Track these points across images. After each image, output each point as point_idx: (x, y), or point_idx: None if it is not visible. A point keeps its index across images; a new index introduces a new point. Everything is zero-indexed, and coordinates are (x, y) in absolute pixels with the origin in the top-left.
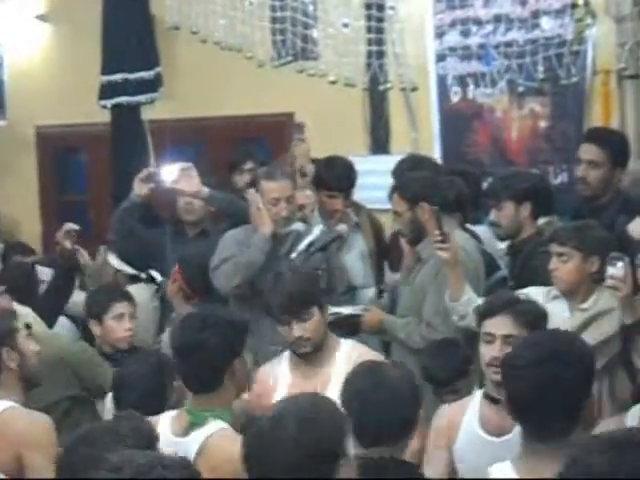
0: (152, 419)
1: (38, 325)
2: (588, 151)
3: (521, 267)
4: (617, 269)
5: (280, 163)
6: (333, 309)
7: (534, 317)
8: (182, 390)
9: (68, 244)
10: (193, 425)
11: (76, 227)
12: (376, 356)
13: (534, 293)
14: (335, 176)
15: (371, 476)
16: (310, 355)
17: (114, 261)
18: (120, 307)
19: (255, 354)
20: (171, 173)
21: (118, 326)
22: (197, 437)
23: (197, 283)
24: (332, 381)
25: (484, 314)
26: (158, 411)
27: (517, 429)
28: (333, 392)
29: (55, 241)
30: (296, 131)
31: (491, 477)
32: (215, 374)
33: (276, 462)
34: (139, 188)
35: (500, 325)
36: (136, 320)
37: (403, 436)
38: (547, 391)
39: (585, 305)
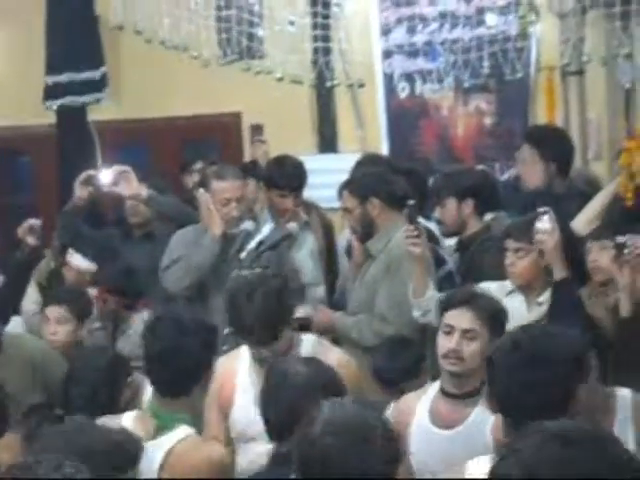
0: (113, 419)
1: None
2: (521, 150)
3: (468, 263)
4: (543, 222)
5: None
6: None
7: (495, 313)
8: (136, 386)
9: (31, 240)
10: (161, 429)
11: (39, 222)
12: (337, 352)
13: (488, 289)
14: (285, 175)
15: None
16: None
17: (79, 261)
18: (49, 311)
19: None
20: (109, 176)
21: (45, 329)
22: (164, 442)
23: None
24: None
25: (446, 305)
26: (110, 407)
27: (466, 422)
28: None
29: (17, 239)
30: (254, 133)
31: (468, 472)
32: (192, 379)
33: None
34: (79, 191)
35: (461, 318)
36: (69, 324)
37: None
38: (524, 395)
39: (541, 299)
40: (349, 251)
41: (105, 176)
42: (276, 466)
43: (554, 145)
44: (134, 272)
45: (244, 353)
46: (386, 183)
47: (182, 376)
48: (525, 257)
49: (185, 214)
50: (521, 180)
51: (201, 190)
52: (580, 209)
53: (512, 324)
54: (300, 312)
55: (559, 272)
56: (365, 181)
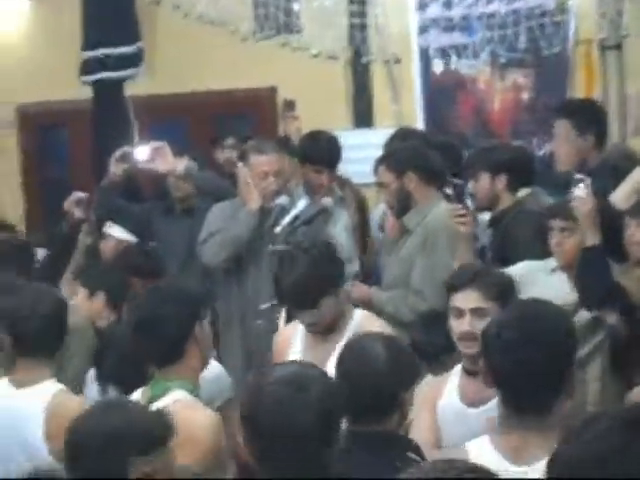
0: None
1: None
2: (556, 125)
3: (501, 238)
4: (580, 189)
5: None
6: None
7: (502, 289)
8: None
9: (78, 212)
10: (153, 397)
11: (85, 195)
12: (383, 326)
13: (532, 267)
14: (320, 151)
15: (362, 449)
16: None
17: (118, 232)
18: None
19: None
20: (145, 152)
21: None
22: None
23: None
24: (336, 351)
25: (451, 288)
26: (138, 381)
27: (494, 400)
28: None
29: (63, 210)
30: (287, 109)
31: (470, 454)
32: (176, 345)
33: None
34: (114, 168)
35: (468, 299)
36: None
37: (387, 412)
38: (527, 364)
39: None
40: (382, 226)
41: (141, 152)
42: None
43: (590, 117)
44: (152, 252)
45: (299, 325)
46: (423, 157)
47: (164, 344)
48: (571, 236)
49: (222, 188)
50: (555, 157)
51: (240, 164)
52: (614, 184)
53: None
54: None
55: (590, 238)
56: (402, 155)
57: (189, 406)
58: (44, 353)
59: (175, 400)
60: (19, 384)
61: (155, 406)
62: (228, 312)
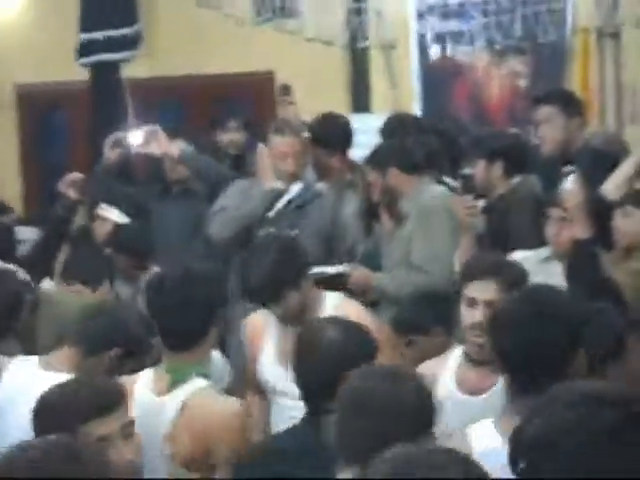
0: (130, 377)
1: None
2: (539, 112)
3: (496, 225)
4: (569, 182)
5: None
6: (317, 269)
7: (518, 279)
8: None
9: (72, 193)
10: (175, 382)
11: (81, 176)
12: (360, 308)
13: (524, 257)
14: (334, 133)
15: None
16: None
17: (113, 214)
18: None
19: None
20: (139, 137)
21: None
22: (178, 395)
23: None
24: None
25: (467, 277)
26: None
27: (494, 389)
28: None
29: (55, 193)
30: (283, 93)
31: (471, 437)
32: (202, 328)
33: None
34: (108, 152)
35: (484, 290)
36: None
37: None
38: (530, 346)
39: None
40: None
41: (135, 137)
42: (308, 425)
43: (574, 101)
44: (144, 232)
45: (272, 317)
46: (402, 151)
47: (192, 327)
48: (568, 226)
49: (217, 172)
50: (541, 142)
51: (260, 144)
52: (597, 169)
53: None
54: (336, 269)
55: (580, 231)
56: (381, 152)
57: (211, 397)
58: None
59: (199, 388)
60: None
61: (178, 392)
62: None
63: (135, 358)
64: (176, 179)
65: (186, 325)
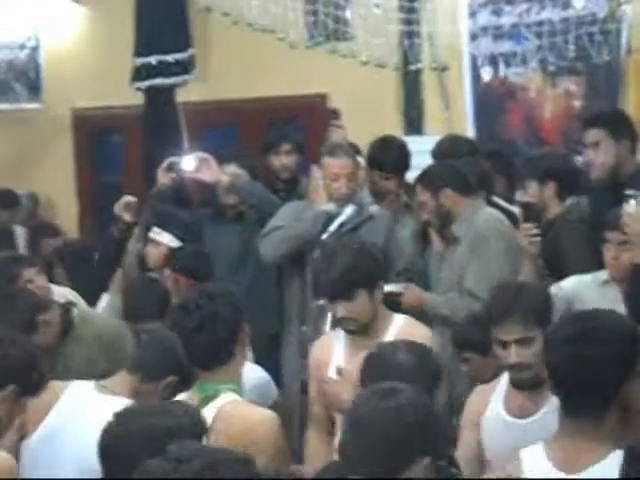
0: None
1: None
2: (587, 135)
3: (550, 247)
4: (630, 206)
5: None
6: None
7: (541, 308)
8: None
9: (127, 216)
10: (206, 399)
11: (135, 199)
12: (426, 331)
13: (580, 281)
14: (390, 157)
15: None
16: (359, 330)
17: (166, 239)
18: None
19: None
20: (191, 163)
21: None
22: (210, 408)
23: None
24: None
25: (491, 320)
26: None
27: (542, 411)
28: None
29: (111, 217)
30: (331, 117)
31: (522, 461)
32: (229, 346)
33: None
34: (162, 177)
35: (510, 331)
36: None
37: None
38: (578, 365)
39: None
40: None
41: (187, 162)
42: None
43: (623, 122)
44: (204, 254)
45: (340, 335)
46: (457, 173)
47: (216, 345)
48: (628, 250)
49: (267, 201)
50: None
51: (314, 166)
52: None
53: None
54: (390, 287)
55: (638, 257)
56: (435, 173)
57: (244, 404)
58: None
59: (229, 401)
60: None
61: (209, 408)
62: (286, 316)
63: (186, 386)
64: (230, 204)
65: (210, 344)
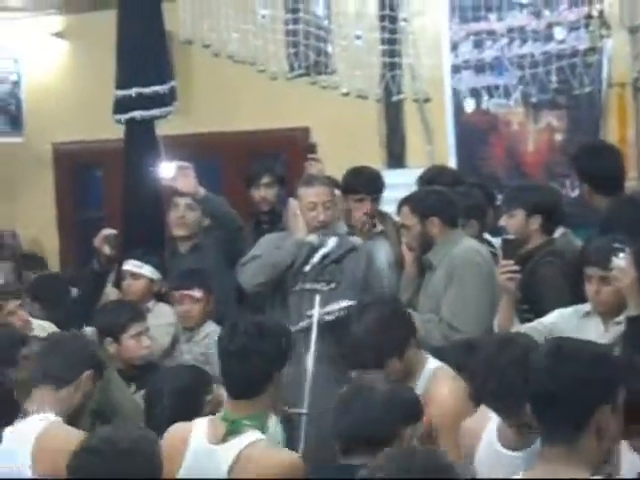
0: (185, 425)
1: None
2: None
3: (528, 277)
4: (619, 259)
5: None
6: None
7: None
8: (215, 403)
9: (107, 249)
10: (231, 432)
11: (114, 232)
12: (455, 377)
13: (564, 313)
14: (362, 180)
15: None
16: None
17: (149, 271)
18: (138, 326)
19: None
20: (169, 170)
21: (137, 345)
22: (233, 446)
23: None
24: None
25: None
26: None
27: (535, 445)
28: None
29: (91, 250)
30: (308, 151)
31: None
32: (263, 380)
33: None
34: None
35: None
36: (149, 336)
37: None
38: (548, 385)
39: (620, 318)
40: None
41: (166, 169)
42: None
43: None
44: (200, 270)
45: None
46: (448, 203)
47: (253, 377)
48: (609, 284)
49: (233, 219)
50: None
51: (291, 198)
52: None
53: None
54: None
55: (634, 308)
56: (427, 200)
57: (269, 446)
58: None
59: (255, 439)
60: None
61: (234, 442)
62: None
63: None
64: (183, 235)
65: (245, 373)
